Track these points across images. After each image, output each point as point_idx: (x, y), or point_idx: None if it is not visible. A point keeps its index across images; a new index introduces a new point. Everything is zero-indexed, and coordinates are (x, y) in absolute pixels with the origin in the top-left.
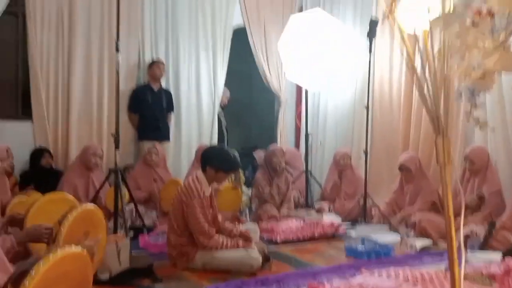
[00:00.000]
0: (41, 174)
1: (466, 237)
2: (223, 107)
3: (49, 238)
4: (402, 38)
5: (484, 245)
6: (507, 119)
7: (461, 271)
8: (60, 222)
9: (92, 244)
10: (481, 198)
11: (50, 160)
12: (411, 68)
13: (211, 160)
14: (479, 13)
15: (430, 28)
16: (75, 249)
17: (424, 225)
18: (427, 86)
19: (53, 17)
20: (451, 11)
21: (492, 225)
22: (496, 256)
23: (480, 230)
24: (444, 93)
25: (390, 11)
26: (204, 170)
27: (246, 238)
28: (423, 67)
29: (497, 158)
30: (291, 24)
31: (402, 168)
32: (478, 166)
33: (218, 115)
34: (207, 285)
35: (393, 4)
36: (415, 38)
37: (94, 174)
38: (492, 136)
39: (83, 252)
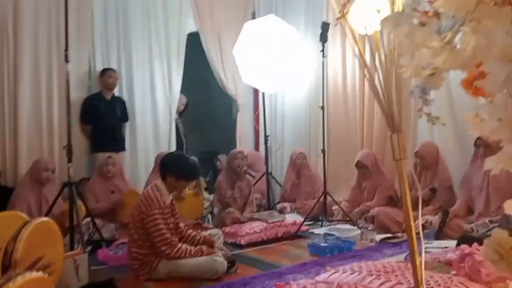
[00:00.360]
0: None
1: (422, 227)
2: (180, 114)
3: (4, 252)
4: (354, 39)
5: (439, 234)
6: (455, 113)
7: (422, 260)
8: (14, 238)
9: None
10: (433, 191)
11: None
12: (363, 68)
13: (171, 168)
14: (425, 13)
15: (381, 28)
16: (36, 274)
17: (382, 218)
18: (380, 85)
19: None
20: (399, 12)
21: (445, 214)
22: (452, 244)
23: (435, 220)
24: (396, 92)
25: (342, 14)
26: (163, 179)
27: (210, 244)
28: (375, 67)
29: (446, 151)
30: (245, 31)
31: (359, 165)
32: (428, 161)
33: (175, 122)
34: None
35: (345, 6)
36: (366, 38)
37: (46, 189)
38: (438, 131)
39: (44, 276)
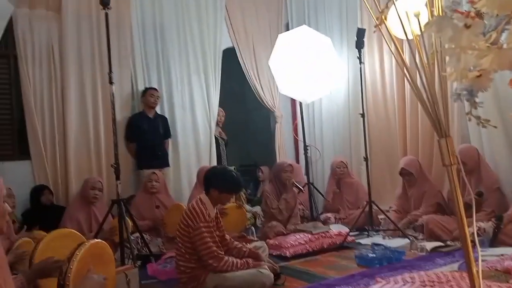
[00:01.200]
0: (42, 211)
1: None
2: (220, 126)
3: (60, 271)
4: (395, 45)
5: (494, 241)
6: (503, 115)
7: (479, 268)
8: (69, 259)
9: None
10: (479, 195)
11: (50, 197)
12: (405, 73)
13: (214, 182)
14: (468, 15)
15: (421, 33)
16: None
17: (432, 227)
18: (424, 90)
19: (44, 55)
20: (442, 15)
21: (499, 219)
22: (507, 250)
23: (488, 227)
24: (442, 96)
25: (381, 20)
26: (207, 192)
27: (255, 257)
28: (419, 72)
29: (494, 154)
30: (279, 42)
31: (404, 172)
32: (470, 166)
33: (215, 135)
34: None
35: (384, 12)
36: (404, 43)
37: (95, 207)
38: (487, 134)
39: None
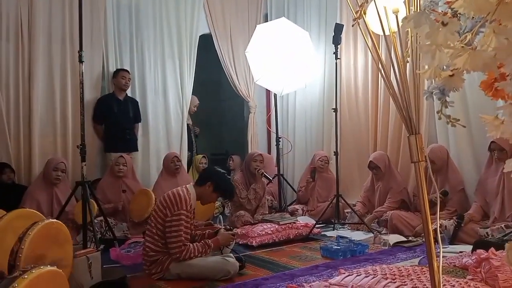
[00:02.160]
0: (2, 190)
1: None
2: (191, 115)
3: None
4: (372, 40)
5: (454, 238)
6: (469, 117)
7: (440, 264)
8: (20, 239)
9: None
10: (444, 194)
11: (11, 175)
12: (380, 69)
13: (215, 178)
14: (444, 15)
15: (399, 29)
16: (50, 267)
17: (395, 222)
18: (398, 87)
19: (11, 28)
20: (420, 11)
21: (460, 218)
22: (467, 248)
23: (449, 224)
24: (415, 93)
25: (359, 14)
26: (201, 184)
27: (213, 233)
28: (393, 68)
29: (459, 154)
30: (258, 33)
31: (372, 165)
32: (438, 165)
33: (187, 123)
34: None
35: (363, 6)
36: (381, 40)
37: (58, 188)
38: (453, 134)
39: (59, 270)
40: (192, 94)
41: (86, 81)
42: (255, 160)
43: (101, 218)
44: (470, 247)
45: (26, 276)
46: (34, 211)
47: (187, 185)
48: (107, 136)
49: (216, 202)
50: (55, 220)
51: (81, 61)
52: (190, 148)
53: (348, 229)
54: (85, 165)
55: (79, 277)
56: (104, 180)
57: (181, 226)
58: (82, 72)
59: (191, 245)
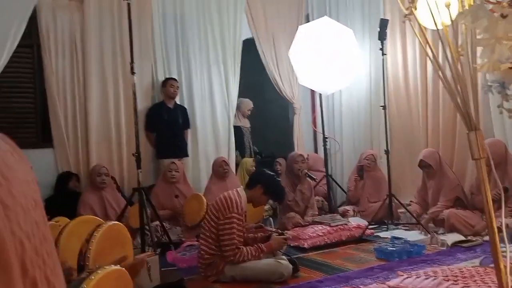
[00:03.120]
0: (67, 198)
1: (498, 230)
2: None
3: (79, 252)
4: (425, 37)
5: None
6: None
7: (507, 264)
8: (87, 240)
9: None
10: (504, 191)
11: (77, 184)
12: (436, 66)
13: (265, 181)
14: (499, 4)
15: (453, 23)
16: (115, 267)
17: (453, 221)
18: (454, 82)
19: (66, 45)
20: (477, 5)
21: None
22: None
23: (511, 223)
24: (473, 88)
25: (411, 10)
26: (251, 187)
27: (266, 238)
28: (448, 64)
29: None
30: (300, 34)
31: (423, 164)
32: (496, 160)
33: (241, 127)
34: None
35: (414, 2)
36: (437, 34)
37: (106, 192)
38: (510, 128)
39: (123, 269)
40: (245, 98)
41: (137, 91)
42: (296, 161)
43: (157, 222)
44: None
45: (93, 277)
46: (94, 216)
47: (237, 189)
48: (159, 143)
49: (265, 206)
50: (116, 222)
51: (133, 72)
52: (242, 152)
53: (403, 229)
54: (140, 172)
55: (139, 280)
56: (158, 186)
57: (234, 229)
58: (134, 83)
59: (244, 248)
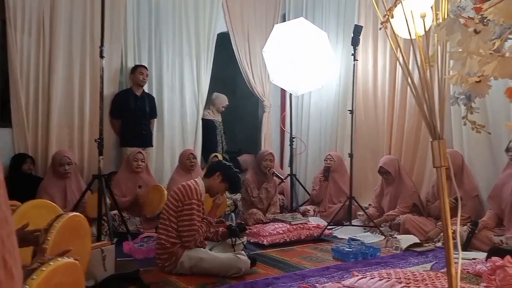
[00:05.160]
0: (21, 180)
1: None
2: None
3: (36, 241)
4: (398, 45)
5: (467, 245)
6: (488, 122)
7: (458, 270)
8: (46, 230)
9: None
10: (457, 200)
11: (31, 166)
12: (406, 74)
13: (224, 169)
14: (471, 20)
15: (426, 33)
16: (68, 259)
17: (408, 226)
18: (422, 91)
19: (34, 22)
20: (453, 19)
21: (474, 225)
22: (480, 255)
23: (463, 231)
24: (440, 98)
25: (387, 18)
26: (210, 176)
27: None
28: (419, 73)
29: (475, 160)
30: (275, 32)
31: (382, 170)
32: (453, 170)
33: (214, 122)
34: None
35: (391, 10)
36: (408, 43)
37: (70, 180)
38: (468, 139)
39: (76, 262)
40: (221, 93)
41: (104, 76)
42: (265, 159)
43: (115, 212)
44: (484, 254)
45: (44, 268)
46: (50, 202)
47: (195, 179)
48: (123, 131)
49: (228, 200)
50: (78, 213)
51: (101, 56)
52: (215, 146)
53: (365, 231)
54: (102, 158)
55: (93, 269)
56: (120, 175)
57: (194, 215)
58: (102, 67)
59: (201, 231)
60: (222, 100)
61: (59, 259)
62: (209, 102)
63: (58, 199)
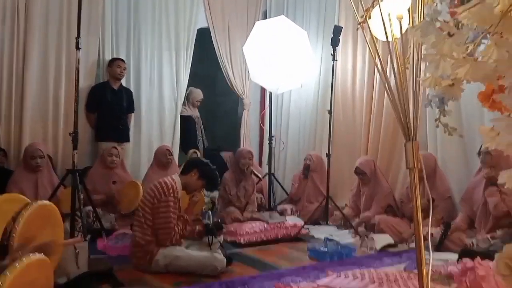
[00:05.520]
0: None
1: (423, 239)
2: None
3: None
4: (375, 46)
5: (439, 246)
6: (462, 125)
7: (429, 270)
8: (14, 219)
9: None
10: (432, 202)
11: (3, 159)
12: (383, 75)
13: (200, 166)
14: (446, 23)
15: (402, 36)
16: (39, 256)
17: (383, 226)
18: (398, 93)
19: (8, 10)
20: (428, 21)
21: (447, 226)
22: (452, 256)
23: (435, 232)
24: (414, 100)
25: (365, 19)
26: (187, 173)
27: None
28: (394, 75)
29: (449, 162)
30: (256, 30)
31: (358, 171)
32: (426, 172)
33: (191, 117)
34: None
35: (368, 11)
36: (380, 46)
37: (41, 173)
38: (442, 142)
39: (46, 258)
40: (196, 88)
41: (80, 68)
42: (244, 157)
43: (89, 208)
44: (456, 256)
45: (17, 265)
46: (21, 196)
47: (173, 176)
48: (99, 125)
49: (206, 197)
50: (49, 202)
51: (78, 48)
52: (195, 141)
53: (339, 228)
54: (76, 153)
55: (65, 266)
56: (94, 170)
57: (170, 212)
58: (79, 59)
59: (177, 229)
60: (196, 94)
61: (31, 255)
62: (185, 98)
63: (28, 193)
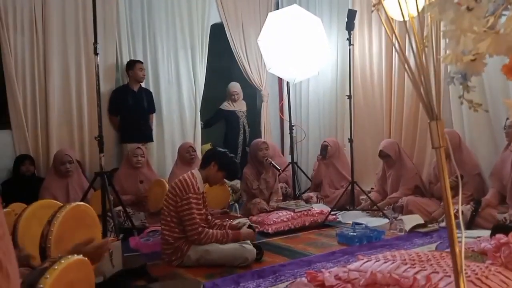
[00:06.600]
0: (22, 182)
1: (454, 217)
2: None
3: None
4: (391, 27)
5: (471, 224)
6: (486, 100)
7: (462, 248)
8: (49, 222)
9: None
10: (460, 179)
11: (30, 168)
12: (402, 56)
13: (219, 158)
14: None
15: (419, 14)
16: (77, 256)
17: (411, 208)
18: (418, 73)
19: (26, 22)
20: None
21: (477, 203)
22: (484, 233)
23: (466, 210)
24: (435, 79)
25: (378, 1)
26: (206, 166)
27: (234, 228)
28: (413, 54)
29: (476, 139)
30: (269, 21)
31: (382, 154)
32: (452, 149)
33: (235, 112)
34: (204, 282)
35: None
36: (397, 25)
37: (72, 179)
38: (468, 118)
39: (85, 259)
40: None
41: (100, 73)
42: (260, 148)
43: (119, 208)
44: (488, 232)
45: (56, 267)
46: (56, 201)
47: (192, 170)
48: (123, 127)
49: (231, 191)
50: (82, 203)
51: (96, 53)
52: (237, 136)
53: (367, 215)
54: (103, 156)
55: (101, 265)
56: (121, 171)
57: (193, 209)
58: (98, 64)
59: (210, 230)
60: (231, 87)
61: (69, 256)
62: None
63: (60, 198)
